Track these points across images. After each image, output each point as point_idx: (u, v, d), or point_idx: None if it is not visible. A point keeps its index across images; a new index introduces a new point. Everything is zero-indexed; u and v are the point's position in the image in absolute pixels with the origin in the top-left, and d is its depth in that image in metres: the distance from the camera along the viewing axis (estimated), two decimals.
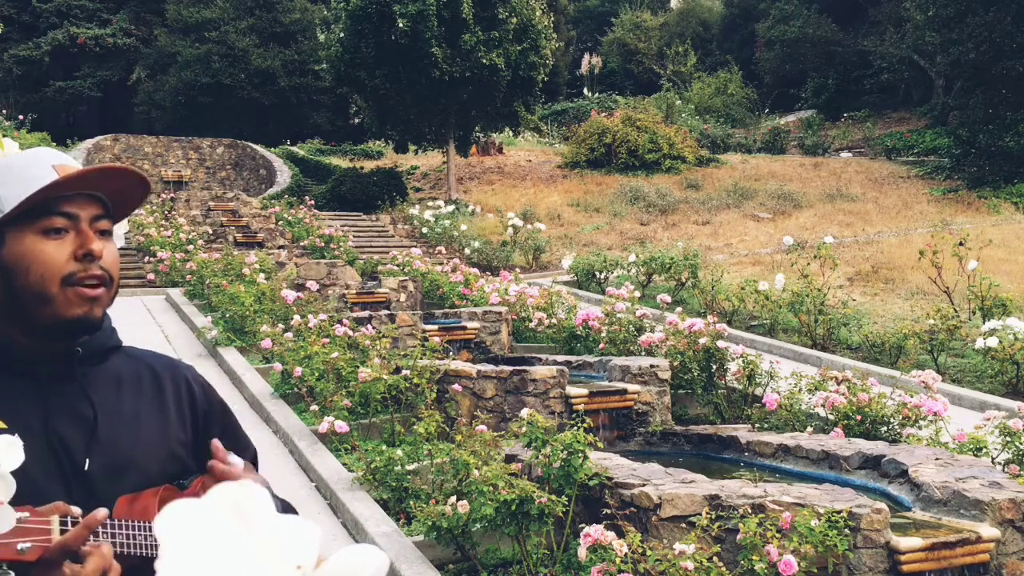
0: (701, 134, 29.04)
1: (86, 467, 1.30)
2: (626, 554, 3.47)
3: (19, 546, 1.07)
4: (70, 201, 1.31)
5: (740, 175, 24.33)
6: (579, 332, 9.01)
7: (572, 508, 4.25)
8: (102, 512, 1.13)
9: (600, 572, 3.47)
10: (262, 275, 11.14)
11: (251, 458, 1.57)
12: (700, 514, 3.78)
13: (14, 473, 1.20)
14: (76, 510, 1.15)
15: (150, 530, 1.23)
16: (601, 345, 8.36)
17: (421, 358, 6.81)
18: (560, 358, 7.64)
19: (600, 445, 4.66)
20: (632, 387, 6.38)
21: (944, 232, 12.32)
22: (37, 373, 1.33)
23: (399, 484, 5.12)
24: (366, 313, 8.82)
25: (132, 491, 1.32)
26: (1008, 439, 5.28)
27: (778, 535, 3.52)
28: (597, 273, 14.44)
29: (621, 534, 3.66)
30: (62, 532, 1.11)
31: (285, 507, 1.49)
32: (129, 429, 1.37)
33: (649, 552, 3.51)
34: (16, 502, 1.19)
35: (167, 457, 1.39)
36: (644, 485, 4.07)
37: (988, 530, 3.75)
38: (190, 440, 1.45)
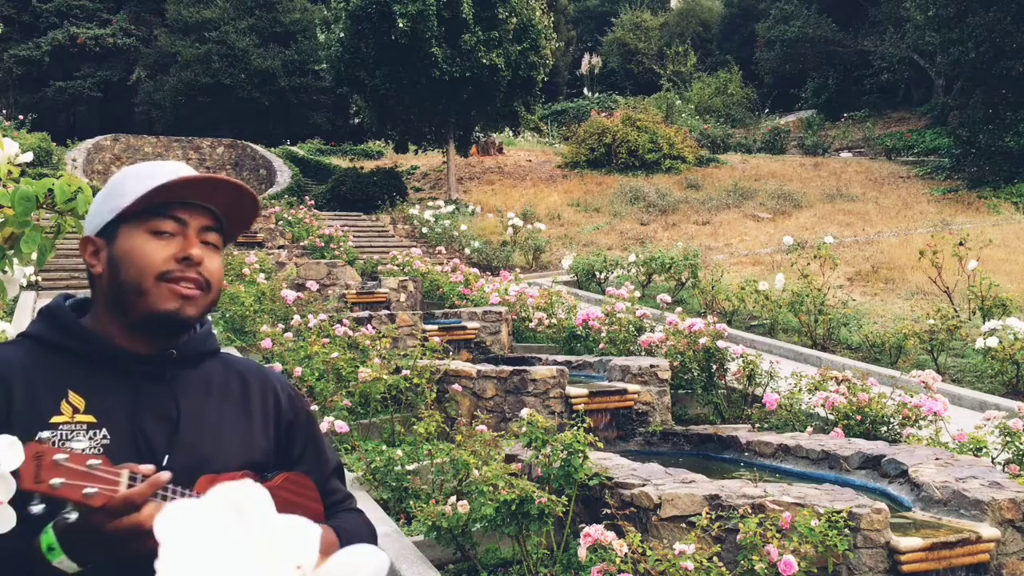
0: (701, 134, 29.04)
1: (164, 464, 1.34)
2: (626, 554, 3.47)
3: (85, 490, 1.11)
4: (183, 208, 1.39)
5: (740, 175, 24.33)
6: (579, 332, 9.01)
7: (572, 508, 4.25)
8: (166, 475, 1.18)
9: (600, 572, 3.47)
10: (262, 275, 11.13)
11: (331, 471, 1.59)
12: (700, 514, 3.78)
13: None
14: (147, 468, 1.19)
15: None
16: (601, 345, 8.36)
17: (421, 358, 6.81)
18: (560, 358, 7.64)
19: (600, 445, 4.66)
20: (632, 387, 6.38)
21: (944, 232, 12.32)
22: (132, 371, 1.39)
23: (399, 484, 5.12)
24: (366, 313, 8.82)
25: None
26: (1008, 439, 5.28)
27: (778, 535, 3.52)
28: (597, 273, 14.43)
29: (621, 534, 3.66)
30: (129, 487, 1.15)
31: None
32: (212, 433, 1.41)
33: (649, 552, 3.50)
34: None
35: (246, 462, 1.43)
36: (644, 485, 4.07)
37: (988, 530, 3.75)
38: (272, 447, 1.49)
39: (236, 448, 1.43)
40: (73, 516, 1.13)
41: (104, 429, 1.32)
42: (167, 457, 1.34)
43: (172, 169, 1.41)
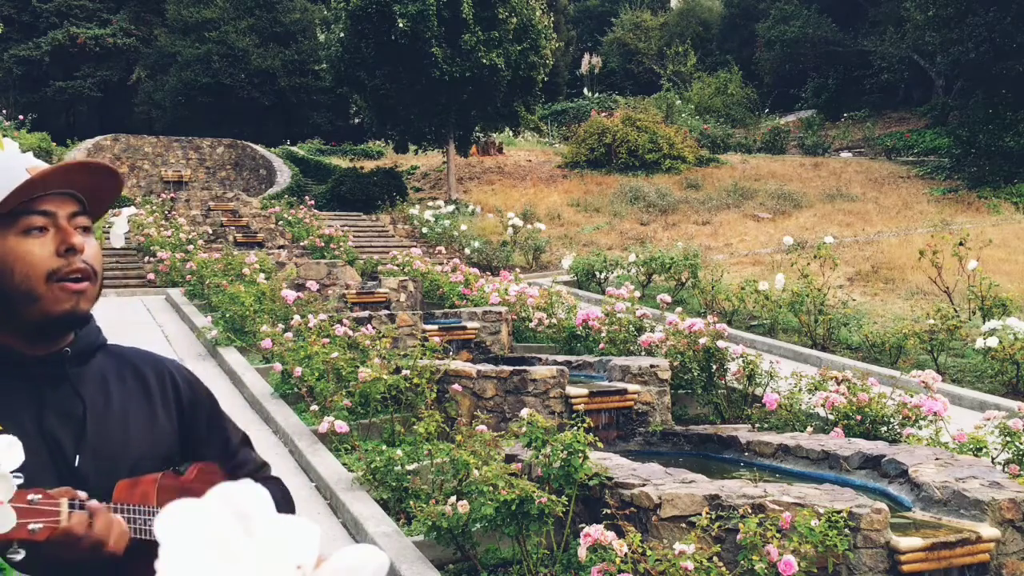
0: (701, 134, 29.03)
1: (76, 463, 1.34)
2: (626, 554, 3.47)
3: (31, 526, 1.15)
4: (47, 200, 1.32)
5: (740, 175, 24.33)
6: (579, 332, 9.01)
7: (572, 508, 4.25)
8: (98, 505, 1.22)
9: (600, 572, 3.47)
10: (262, 275, 11.14)
11: (238, 444, 1.60)
12: (700, 514, 3.78)
13: (13, 472, 1.24)
14: (82, 494, 1.21)
15: (151, 514, 1.30)
16: (601, 345, 8.36)
17: (421, 358, 6.81)
18: (560, 358, 7.64)
19: (600, 445, 4.65)
20: (632, 387, 6.38)
21: (944, 232, 12.32)
22: (31, 375, 1.36)
23: (399, 484, 5.12)
24: (366, 313, 8.82)
25: None
26: (1008, 439, 5.28)
27: (778, 535, 3.52)
28: (597, 273, 14.44)
29: (621, 534, 3.66)
30: (70, 513, 1.19)
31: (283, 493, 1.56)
32: (118, 425, 1.41)
33: (649, 552, 3.50)
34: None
35: (157, 450, 1.44)
36: (644, 485, 4.07)
37: (988, 530, 3.75)
38: (176, 431, 1.49)
39: (144, 436, 1.43)
40: (20, 555, 1.15)
41: (11, 437, 1.30)
42: (77, 459, 1.34)
43: (17, 165, 1.32)
